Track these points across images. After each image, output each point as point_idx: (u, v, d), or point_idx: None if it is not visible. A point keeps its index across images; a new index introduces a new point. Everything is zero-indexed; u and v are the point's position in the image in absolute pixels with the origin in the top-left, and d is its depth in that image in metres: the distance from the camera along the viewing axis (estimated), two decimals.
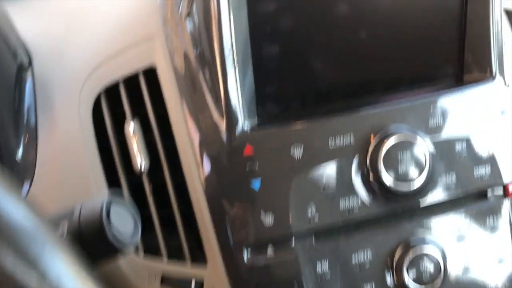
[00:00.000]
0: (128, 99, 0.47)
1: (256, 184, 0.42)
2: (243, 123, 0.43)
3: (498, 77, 0.47)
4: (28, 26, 0.51)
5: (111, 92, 0.47)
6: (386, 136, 0.43)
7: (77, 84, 0.47)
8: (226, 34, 0.41)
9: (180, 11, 0.45)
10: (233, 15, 0.41)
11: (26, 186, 0.48)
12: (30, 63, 0.49)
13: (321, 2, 0.43)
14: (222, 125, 0.43)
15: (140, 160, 0.45)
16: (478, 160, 0.46)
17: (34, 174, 0.48)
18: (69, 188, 0.47)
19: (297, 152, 0.43)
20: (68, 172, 0.47)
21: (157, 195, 0.47)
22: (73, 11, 0.49)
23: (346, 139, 0.43)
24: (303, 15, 0.43)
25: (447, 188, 0.45)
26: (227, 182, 0.43)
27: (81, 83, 0.47)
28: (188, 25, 0.44)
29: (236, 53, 0.42)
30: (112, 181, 0.47)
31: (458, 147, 0.46)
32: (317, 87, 0.45)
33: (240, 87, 0.42)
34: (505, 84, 0.47)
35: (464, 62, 0.48)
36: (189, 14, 0.44)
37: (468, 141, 0.46)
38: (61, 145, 0.47)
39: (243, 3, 0.42)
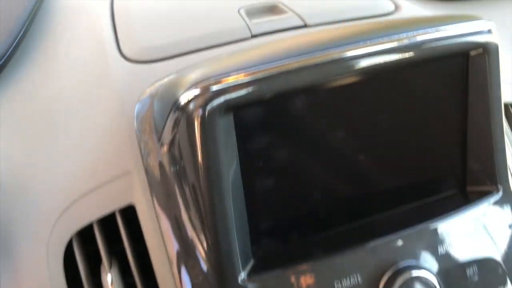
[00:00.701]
0: (103, 239, 0.41)
1: None
2: (237, 272, 0.38)
3: (503, 188, 0.44)
4: None
5: (84, 231, 0.42)
6: (395, 275, 0.39)
7: (46, 226, 0.41)
8: (214, 171, 0.37)
9: (161, 142, 0.40)
10: (222, 150, 0.37)
11: None
12: None
13: (315, 131, 0.39)
14: (214, 276, 0.38)
15: None
16: (491, 283, 0.43)
17: None
18: None
19: None
20: None
21: None
22: (37, 139, 0.43)
23: (353, 280, 0.39)
24: (297, 145, 0.39)
25: None
26: None
27: (50, 226, 0.41)
28: (171, 159, 0.39)
29: (226, 190, 0.38)
30: None
31: (469, 271, 0.42)
32: (316, 215, 0.42)
33: (232, 229, 0.38)
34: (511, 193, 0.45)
35: (467, 174, 0.45)
36: (171, 146, 0.39)
37: (478, 262, 0.43)
38: None
39: (232, 138, 0.37)
